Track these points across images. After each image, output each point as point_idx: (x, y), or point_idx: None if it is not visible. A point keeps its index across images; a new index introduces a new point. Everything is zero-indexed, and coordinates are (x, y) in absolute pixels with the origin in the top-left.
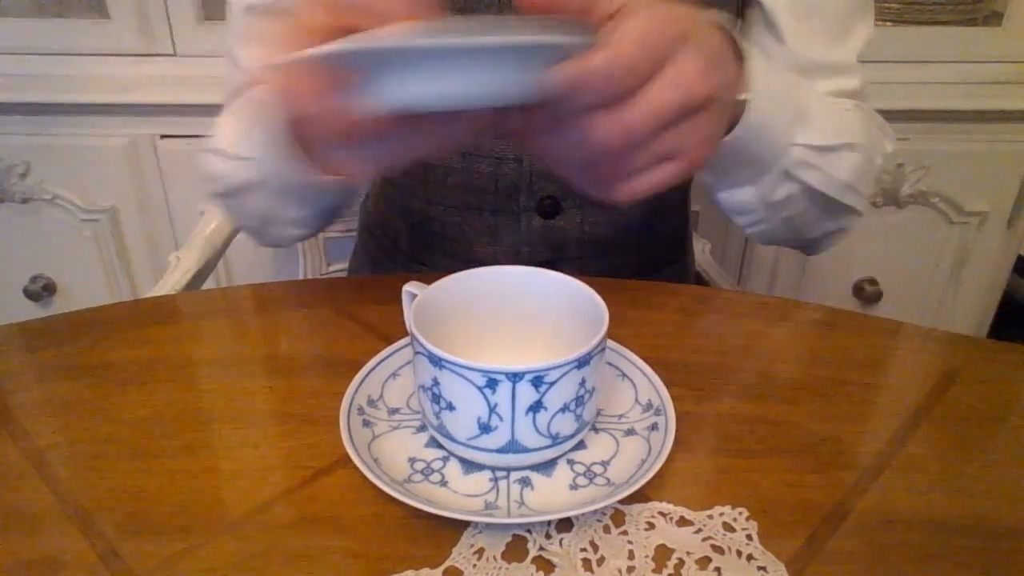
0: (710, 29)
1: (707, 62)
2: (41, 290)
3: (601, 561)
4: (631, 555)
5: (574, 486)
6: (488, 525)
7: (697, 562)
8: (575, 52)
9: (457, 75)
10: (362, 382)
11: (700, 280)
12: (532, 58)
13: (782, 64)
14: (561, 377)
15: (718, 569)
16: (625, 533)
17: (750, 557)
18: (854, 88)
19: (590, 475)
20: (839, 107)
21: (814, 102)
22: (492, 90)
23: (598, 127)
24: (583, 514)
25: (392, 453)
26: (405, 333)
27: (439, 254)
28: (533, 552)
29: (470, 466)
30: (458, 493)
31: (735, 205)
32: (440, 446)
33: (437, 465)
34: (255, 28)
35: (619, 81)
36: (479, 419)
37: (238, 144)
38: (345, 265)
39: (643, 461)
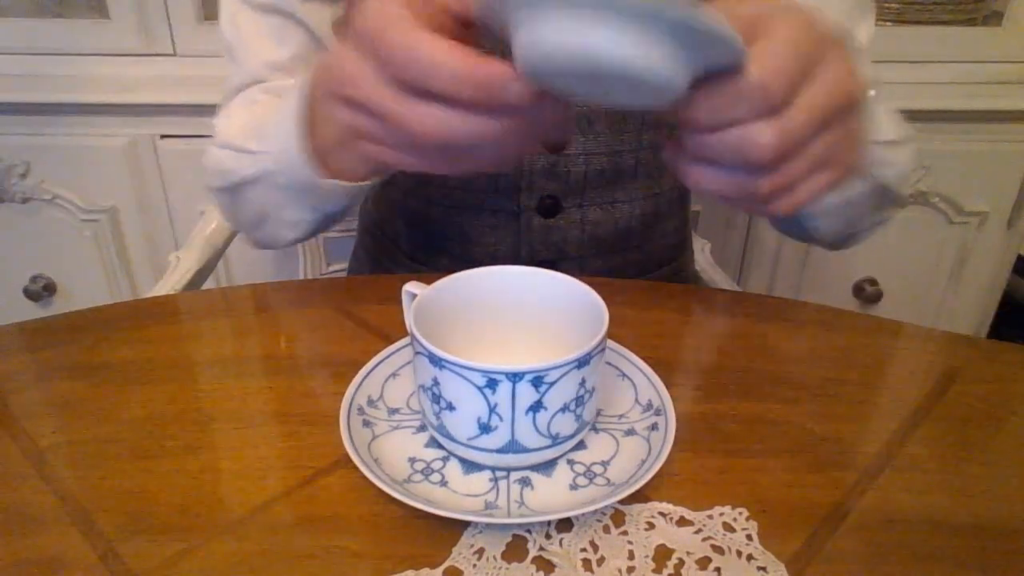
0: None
1: (852, 62)
2: (41, 290)
3: (601, 561)
4: (631, 555)
5: (574, 486)
6: (488, 525)
7: (697, 562)
8: (726, 52)
9: (605, 30)
10: (362, 382)
11: (700, 280)
12: (687, 40)
13: None
14: (561, 377)
15: (718, 569)
16: (625, 533)
17: (750, 557)
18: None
19: (590, 475)
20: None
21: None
22: (638, 58)
23: (756, 136)
24: (583, 514)
25: (392, 453)
26: (405, 333)
27: (439, 254)
28: (533, 552)
29: (470, 466)
30: (458, 493)
31: (822, 208)
32: (440, 446)
33: (437, 465)
34: (257, 23)
35: (777, 93)
36: (479, 419)
37: (247, 138)
38: (345, 265)
39: (643, 461)
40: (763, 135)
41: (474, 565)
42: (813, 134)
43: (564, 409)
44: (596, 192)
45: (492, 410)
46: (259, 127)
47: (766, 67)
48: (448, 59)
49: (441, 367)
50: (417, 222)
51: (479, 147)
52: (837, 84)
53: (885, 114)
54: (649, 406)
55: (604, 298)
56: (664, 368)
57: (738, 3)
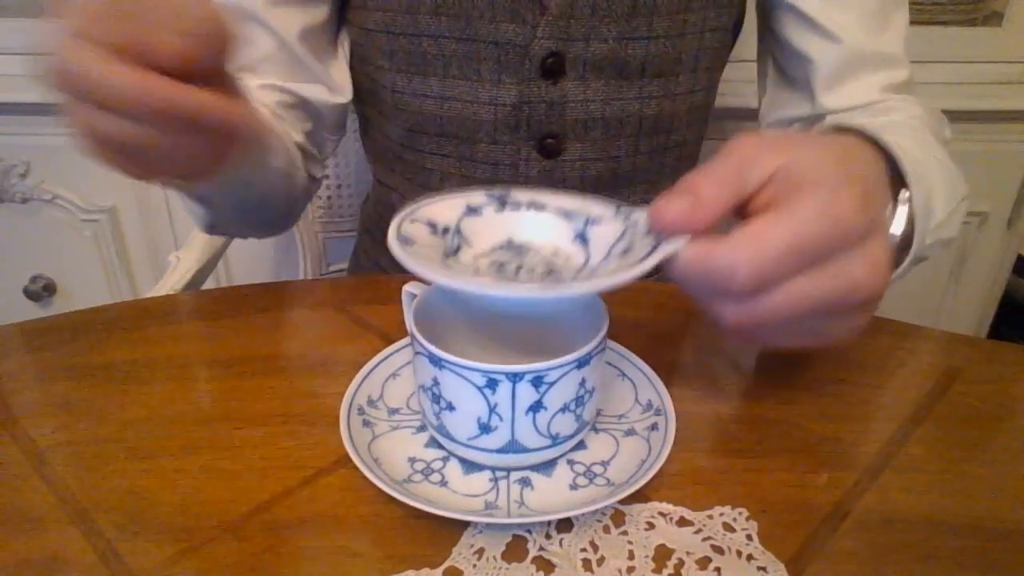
0: (885, 188)
1: (885, 259)
2: (41, 290)
3: (601, 561)
4: (631, 555)
5: (574, 486)
6: (488, 525)
7: (697, 562)
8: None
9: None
10: (362, 382)
11: None
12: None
13: (835, 61)
14: (561, 377)
15: (718, 569)
16: (625, 533)
17: (750, 557)
18: (904, 80)
19: (590, 475)
20: (934, 148)
21: (935, 169)
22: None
23: (719, 311)
24: (583, 514)
25: (392, 453)
26: (405, 333)
27: None
28: (533, 552)
29: (470, 466)
30: (458, 493)
31: None
32: (440, 446)
33: (437, 465)
34: None
35: (747, 284)
36: (479, 419)
37: None
38: (345, 265)
39: (643, 461)
40: (726, 314)
41: (474, 565)
42: (795, 320)
43: (564, 409)
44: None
45: (492, 410)
46: None
47: (743, 252)
48: (121, 78)
49: (441, 367)
50: None
51: (159, 153)
52: (849, 284)
53: (947, 181)
54: (649, 406)
55: (604, 298)
56: (664, 368)
57: (779, 144)
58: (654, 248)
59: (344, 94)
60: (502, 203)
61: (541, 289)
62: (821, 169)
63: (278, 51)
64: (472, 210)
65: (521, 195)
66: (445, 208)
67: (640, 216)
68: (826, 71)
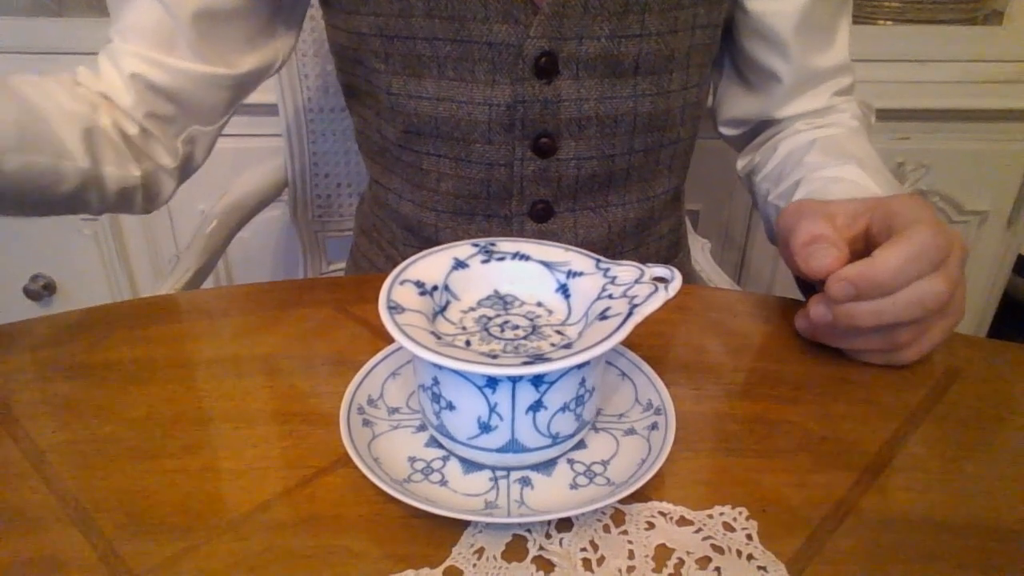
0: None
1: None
2: (41, 290)
3: (601, 561)
4: (631, 555)
5: (574, 486)
6: (488, 525)
7: (697, 562)
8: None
9: None
10: (362, 382)
11: (698, 279)
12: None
13: (792, 78)
14: (561, 377)
15: (718, 569)
16: (625, 533)
17: (750, 557)
18: (851, 82)
19: (590, 475)
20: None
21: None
22: None
23: (852, 311)
24: (583, 514)
25: (392, 453)
26: None
27: None
28: (533, 552)
29: (470, 466)
30: (458, 493)
31: None
32: (440, 446)
33: (437, 465)
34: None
35: (874, 288)
36: (479, 418)
37: None
38: (344, 265)
39: (643, 461)
40: (856, 313)
41: (474, 565)
42: (915, 316)
43: (564, 408)
44: (588, 196)
45: (492, 409)
46: None
47: (885, 260)
48: None
49: (441, 367)
50: (411, 226)
51: None
52: (963, 249)
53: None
54: (649, 405)
55: None
56: (664, 367)
57: (890, 202)
58: (630, 312)
59: (224, 87)
60: (488, 254)
61: (525, 368)
62: (917, 211)
63: (160, 21)
64: (460, 263)
65: (506, 246)
66: (433, 264)
67: (618, 271)
68: (785, 87)
